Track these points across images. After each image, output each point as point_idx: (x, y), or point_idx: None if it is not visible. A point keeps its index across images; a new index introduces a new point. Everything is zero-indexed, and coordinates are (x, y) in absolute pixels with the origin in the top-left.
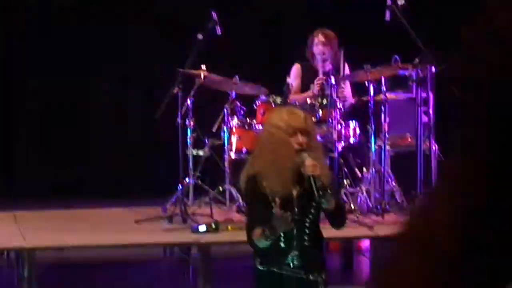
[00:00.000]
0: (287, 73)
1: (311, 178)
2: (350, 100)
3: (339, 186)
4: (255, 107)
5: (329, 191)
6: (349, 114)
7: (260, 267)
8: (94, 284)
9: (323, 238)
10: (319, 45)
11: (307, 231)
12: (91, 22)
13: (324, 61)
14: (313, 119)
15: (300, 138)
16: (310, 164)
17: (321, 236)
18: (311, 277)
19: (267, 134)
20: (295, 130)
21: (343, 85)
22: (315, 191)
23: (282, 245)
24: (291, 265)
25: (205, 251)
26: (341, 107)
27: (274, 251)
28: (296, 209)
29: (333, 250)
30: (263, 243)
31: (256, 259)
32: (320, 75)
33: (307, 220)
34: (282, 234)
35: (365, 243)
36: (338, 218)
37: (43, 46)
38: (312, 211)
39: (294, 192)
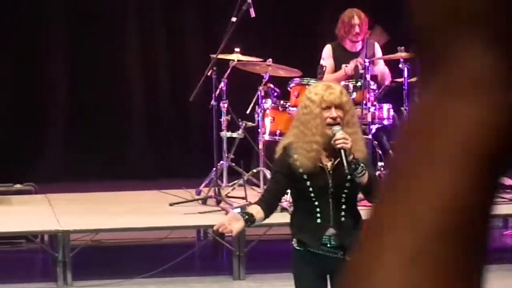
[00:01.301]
0: (320, 55)
1: (342, 152)
2: (389, 78)
3: (374, 164)
4: (288, 89)
5: (361, 165)
6: (383, 96)
7: (297, 247)
8: (128, 266)
9: (361, 218)
10: (350, 25)
11: (343, 206)
12: (117, 7)
13: (355, 41)
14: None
15: (334, 112)
16: (340, 137)
17: (359, 215)
18: (348, 257)
19: (301, 107)
20: (329, 104)
21: (377, 65)
22: (345, 165)
23: (318, 220)
24: (329, 244)
25: (239, 234)
26: (375, 88)
27: (310, 226)
28: (330, 182)
29: None
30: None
31: (293, 240)
32: (355, 57)
33: (343, 194)
34: (318, 209)
35: None
36: (371, 192)
37: (68, 38)
38: (348, 185)
39: (329, 164)
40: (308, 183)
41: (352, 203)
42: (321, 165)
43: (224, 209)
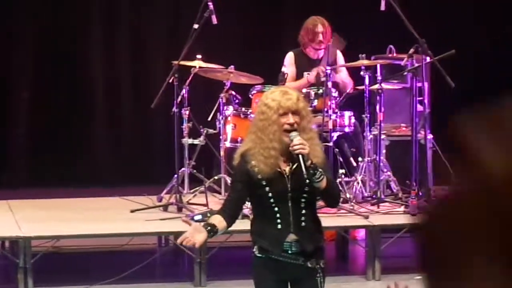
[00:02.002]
0: (282, 62)
1: (300, 157)
2: (351, 85)
3: (334, 171)
4: (250, 96)
5: (320, 170)
6: (344, 104)
7: (258, 255)
8: (89, 273)
9: (320, 223)
10: (314, 33)
11: (303, 211)
12: (81, 12)
13: (318, 49)
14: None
15: (291, 118)
16: (298, 143)
17: (319, 220)
18: (309, 264)
19: (258, 113)
20: (286, 110)
21: (339, 72)
22: (304, 170)
23: (279, 226)
24: (290, 251)
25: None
26: (336, 95)
27: (271, 232)
28: (289, 187)
29: (328, 240)
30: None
31: (254, 247)
32: (318, 64)
33: (302, 199)
34: (278, 215)
35: (361, 233)
36: (330, 197)
37: (31, 44)
38: (307, 189)
39: (287, 170)
40: (267, 189)
41: (311, 208)
42: (279, 170)
43: (187, 222)
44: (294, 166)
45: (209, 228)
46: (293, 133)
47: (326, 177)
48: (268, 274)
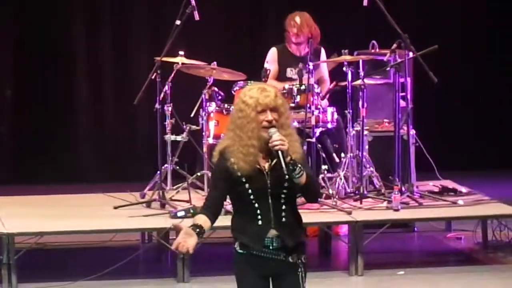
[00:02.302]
0: (265, 58)
1: (279, 153)
2: (327, 84)
3: (317, 167)
4: (233, 92)
5: (299, 166)
6: (326, 100)
7: (240, 251)
8: (72, 269)
9: (301, 218)
10: (294, 28)
11: (283, 206)
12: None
13: (299, 44)
14: (291, 104)
15: (269, 115)
16: (277, 139)
17: (299, 215)
18: (290, 259)
19: (236, 110)
20: (264, 108)
21: (322, 71)
22: (284, 166)
23: (259, 222)
24: (271, 247)
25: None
26: (319, 91)
27: (252, 229)
28: (268, 183)
29: (311, 236)
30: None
31: (235, 243)
32: (300, 61)
33: (282, 195)
34: (258, 212)
35: (343, 228)
36: (310, 192)
37: (13, 36)
38: (286, 185)
39: (266, 166)
40: (246, 185)
41: (292, 203)
42: (258, 167)
43: (177, 226)
44: (273, 163)
45: (197, 230)
46: (272, 129)
47: (306, 173)
48: (250, 270)
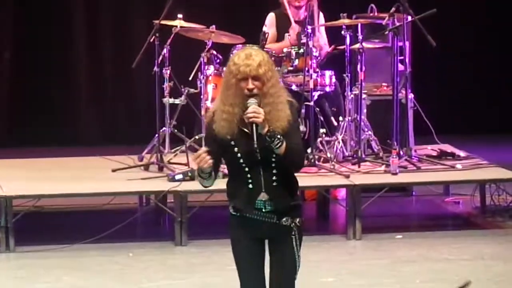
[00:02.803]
0: (264, 22)
1: (253, 125)
2: (327, 48)
3: (315, 130)
4: (231, 56)
5: (278, 137)
6: (325, 63)
7: (233, 213)
8: (70, 232)
9: (295, 182)
10: None
11: (274, 171)
12: None
13: (298, 8)
14: (289, 67)
15: (250, 84)
16: (250, 111)
17: (292, 179)
18: (283, 222)
19: (224, 75)
20: (244, 76)
21: (318, 34)
22: (254, 139)
23: (250, 186)
24: (263, 209)
25: (181, 200)
26: (317, 55)
27: (243, 192)
28: (257, 147)
29: (309, 199)
30: (201, 182)
31: (230, 205)
32: (293, 24)
33: (273, 159)
34: (249, 175)
35: (341, 192)
36: (289, 163)
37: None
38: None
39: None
40: (236, 149)
41: (283, 167)
42: (246, 131)
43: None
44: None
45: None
46: (251, 100)
47: (286, 143)
48: (243, 233)
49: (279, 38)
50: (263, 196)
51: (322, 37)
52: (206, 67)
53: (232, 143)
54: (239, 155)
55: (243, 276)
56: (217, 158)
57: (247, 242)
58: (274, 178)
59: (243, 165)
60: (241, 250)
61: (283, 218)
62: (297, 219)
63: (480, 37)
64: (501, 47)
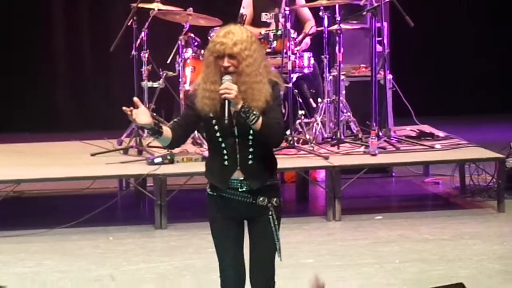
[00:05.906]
0: (241, 3)
1: (226, 102)
2: (312, 22)
3: (294, 112)
4: (209, 38)
5: (254, 113)
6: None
7: (210, 193)
8: (50, 217)
9: (273, 162)
10: None
11: (250, 149)
12: None
13: None
14: (267, 49)
15: (225, 62)
16: (223, 87)
17: (270, 158)
18: (260, 202)
19: (206, 51)
20: (220, 54)
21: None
22: (226, 115)
23: (226, 162)
24: (239, 189)
25: (160, 183)
26: (295, 36)
27: (219, 168)
28: (234, 123)
29: (288, 181)
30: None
31: (207, 185)
32: (276, 5)
33: (250, 136)
34: (225, 152)
35: (321, 174)
36: (265, 138)
37: None
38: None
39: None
40: (213, 121)
41: (260, 145)
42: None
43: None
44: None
45: (157, 125)
46: (226, 77)
47: (262, 119)
48: (220, 211)
49: (256, 18)
50: (238, 174)
51: (305, 12)
52: (184, 50)
53: (213, 120)
54: (216, 127)
55: (221, 255)
56: (190, 128)
57: (224, 221)
58: (250, 156)
59: (220, 139)
60: (218, 229)
61: (259, 198)
62: (274, 199)
63: (456, 17)
64: (477, 23)
